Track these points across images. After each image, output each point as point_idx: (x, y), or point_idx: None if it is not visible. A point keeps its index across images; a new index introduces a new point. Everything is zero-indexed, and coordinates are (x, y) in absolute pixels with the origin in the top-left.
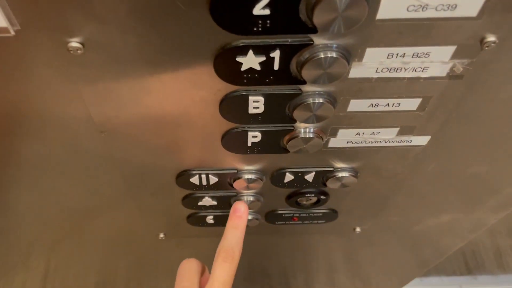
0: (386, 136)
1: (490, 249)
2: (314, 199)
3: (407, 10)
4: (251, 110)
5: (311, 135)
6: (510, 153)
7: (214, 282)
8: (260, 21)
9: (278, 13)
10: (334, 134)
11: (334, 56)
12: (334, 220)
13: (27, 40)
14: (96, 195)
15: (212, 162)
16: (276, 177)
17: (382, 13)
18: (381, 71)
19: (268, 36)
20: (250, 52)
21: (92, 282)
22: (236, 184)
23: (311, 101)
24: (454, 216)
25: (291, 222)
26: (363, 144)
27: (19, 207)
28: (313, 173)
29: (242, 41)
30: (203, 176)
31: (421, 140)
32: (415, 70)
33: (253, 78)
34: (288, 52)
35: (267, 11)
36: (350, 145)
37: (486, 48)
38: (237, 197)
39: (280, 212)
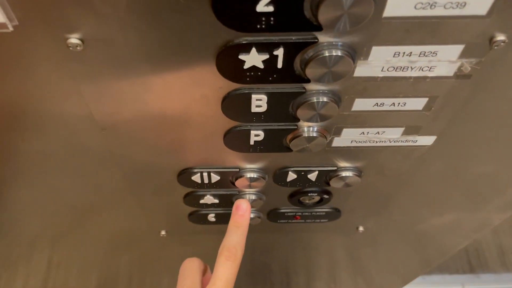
0: (391, 135)
1: (493, 247)
2: (317, 198)
3: (415, 7)
4: (254, 109)
5: (314, 134)
6: None
7: (217, 281)
8: (263, 18)
9: (282, 10)
10: (338, 133)
11: (339, 54)
12: (337, 219)
13: (25, 36)
14: (97, 192)
15: (214, 160)
16: (278, 176)
17: (389, 11)
18: (387, 70)
19: (272, 34)
20: (253, 49)
21: (94, 278)
22: (238, 183)
23: (315, 100)
24: (458, 215)
25: (293, 221)
26: (368, 144)
27: (20, 204)
28: (316, 172)
29: (245, 38)
30: (205, 174)
31: (427, 140)
32: (422, 69)
33: (256, 76)
34: (292, 50)
35: (270, 8)
36: (354, 144)
37: (495, 47)
38: (239, 195)
39: (282, 210)
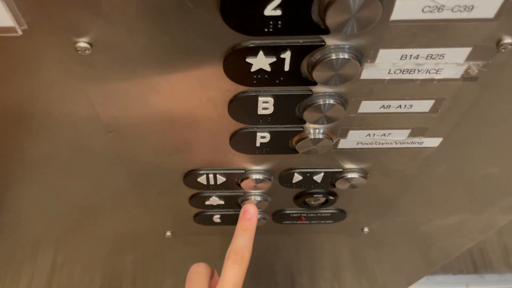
0: (397, 137)
1: (497, 248)
2: (322, 200)
3: (422, 11)
4: (260, 111)
5: (320, 136)
6: None
7: (225, 284)
8: (271, 22)
9: (290, 14)
10: (344, 135)
11: (346, 57)
12: (342, 220)
13: (34, 40)
14: (102, 193)
15: (220, 162)
16: (284, 178)
17: (397, 14)
18: (394, 72)
19: (279, 37)
20: (261, 53)
21: (98, 278)
22: (243, 184)
23: (321, 102)
24: (463, 217)
25: (298, 222)
26: (374, 146)
27: (26, 204)
28: (322, 173)
29: (252, 41)
30: (211, 175)
31: (433, 142)
32: (429, 72)
33: (263, 79)
34: (299, 53)
35: (278, 12)
36: (360, 146)
37: (503, 50)
38: (245, 196)
39: (287, 212)
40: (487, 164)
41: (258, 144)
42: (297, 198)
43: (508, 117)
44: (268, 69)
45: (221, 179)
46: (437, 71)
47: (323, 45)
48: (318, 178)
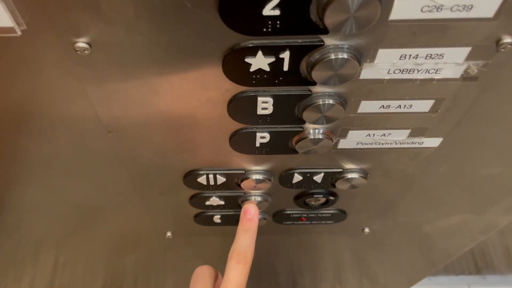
0: (397, 137)
1: (499, 248)
2: (323, 200)
3: (421, 10)
4: (260, 111)
5: (320, 136)
6: None
7: (228, 284)
8: (269, 22)
9: (289, 14)
10: (344, 135)
11: (345, 57)
12: (342, 220)
13: (33, 40)
14: (103, 193)
15: (219, 162)
16: (284, 178)
17: (396, 14)
18: (393, 72)
19: (278, 37)
20: (259, 53)
21: (100, 278)
22: (244, 184)
23: (321, 102)
24: (464, 217)
25: (299, 222)
26: (373, 146)
27: (27, 204)
28: (322, 174)
29: (251, 41)
30: (211, 176)
31: (433, 142)
32: (428, 72)
33: (262, 79)
34: (298, 53)
35: (277, 12)
36: (360, 146)
37: (502, 49)
38: (245, 197)
39: (288, 212)
40: (488, 164)
41: (257, 144)
42: (297, 199)
43: (508, 117)
44: (267, 69)
45: (221, 179)
46: (437, 71)
47: (322, 45)
48: (318, 178)
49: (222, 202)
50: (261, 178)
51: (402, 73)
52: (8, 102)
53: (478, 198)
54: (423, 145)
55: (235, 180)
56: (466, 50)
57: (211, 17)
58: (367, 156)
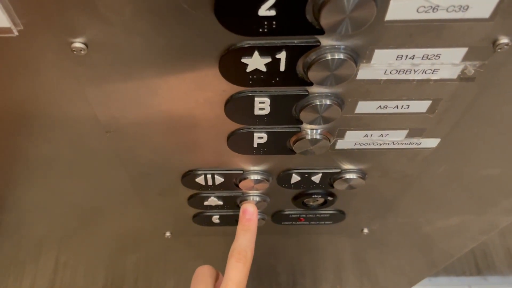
0: (395, 138)
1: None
2: (321, 200)
3: (417, 11)
4: (257, 111)
5: (318, 137)
6: None
7: (228, 283)
8: (265, 22)
9: (284, 14)
10: (341, 135)
11: (342, 57)
12: (341, 221)
13: (30, 41)
14: (103, 193)
15: (217, 163)
16: (282, 178)
17: (391, 14)
18: (390, 73)
19: (274, 37)
20: (256, 53)
21: (101, 278)
22: (242, 185)
23: (318, 103)
24: (464, 218)
25: (297, 223)
26: (371, 146)
27: (27, 204)
28: (320, 174)
29: (248, 42)
30: (209, 176)
31: (431, 142)
32: (425, 72)
33: (259, 79)
34: (295, 54)
35: (272, 12)
36: (358, 147)
37: (499, 50)
38: (243, 197)
39: (286, 212)
40: (487, 165)
41: (255, 145)
42: (296, 199)
43: (506, 118)
44: (264, 69)
45: (219, 180)
46: (433, 71)
47: (318, 45)
48: (316, 178)
49: (221, 202)
50: (259, 178)
51: (399, 73)
52: (8, 103)
53: (478, 198)
54: (421, 146)
55: (233, 180)
56: (462, 51)
57: (207, 18)
58: (365, 157)
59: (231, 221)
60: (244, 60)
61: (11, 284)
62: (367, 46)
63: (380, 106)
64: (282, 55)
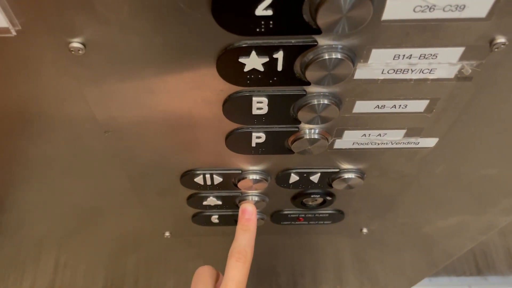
0: (393, 137)
1: (500, 249)
2: (320, 200)
3: (414, 10)
4: (255, 111)
5: (316, 136)
6: None
7: (228, 282)
8: (262, 22)
9: (281, 14)
10: (339, 135)
11: (339, 57)
12: (340, 221)
13: (28, 41)
14: (102, 193)
15: (216, 162)
16: (281, 178)
17: (388, 14)
18: (387, 72)
19: (271, 37)
20: (253, 53)
21: (101, 278)
22: (240, 185)
23: (315, 102)
24: (464, 218)
25: (296, 223)
26: (369, 146)
27: (27, 205)
28: (319, 174)
29: (245, 41)
30: (208, 176)
31: (429, 142)
32: (422, 72)
33: (257, 79)
34: (292, 53)
35: (269, 12)
36: (356, 146)
37: (496, 49)
38: (242, 197)
39: (285, 212)
40: (486, 164)
41: (253, 144)
42: (295, 199)
43: (504, 117)
44: (261, 69)
45: (218, 179)
46: (431, 71)
47: (315, 45)
48: (314, 178)
49: (220, 202)
50: (257, 178)
51: (396, 73)
52: (6, 103)
53: (477, 198)
54: (419, 145)
55: (232, 180)
56: (459, 50)
57: (204, 18)
58: (363, 156)
59: (230, 221)
60: (241, 60)
61: (11, 285)
62: (364, 45)
63: (378, 105)
64: (279, 55)
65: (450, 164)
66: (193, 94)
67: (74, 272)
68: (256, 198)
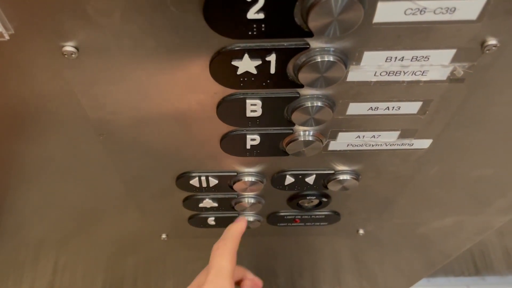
0: (387, 139)
1: (498, 249)
2: (316, 201)
3: (405, 13)
4: (249, 113)
5: (310, 138)
6: None
7: (211, 270)
8: (254, 25)
9: (273, 17)
10: (333, 137)
11: (331, 60)
12: (336, 222)
13: (21, 45)
14: (97, 196)
15: (211, 165)
16: (276, 180)
17: (379, 17)
18: (380, 74)
19: (264, 40)
20: (246, 56)
21: (100, 280)
22: (236, 186)
23: (309, 105)
24: (459, 218)
25: (293, 224)
26: (364, 147)
27: (24, 208)
28: (314, 175)
29: (237, 45)
30: (203, 178)
31: (423, 143)
32: (415, 74)
33: (250, 82)
34: (284, 56)
35: (261, 15)
36: (350, 148)
37: (487, 51)
38: (238, 198)
39: (282, 214)
40: (480, 165)
41: (248, 147)
42: (291, 200)
43: (497, 118)
44: (254, 71)
45: (213, 182)
46: (423, 72)
47: (307, 48)
48: (310, 180)
49: (216, 204)
50: (253, 180)
51: (388, 75)
52: (1, 106)
53: (472, 199)
54: (413, 147)
55: (227, 182)
56: (451, 52)
57: (197, 21)
58: (358, 158)
59: (227, 222)
60: (234, 62)
61: (11, 287)
62: (356, 48)
63: (371, 107)
64: (272, 58)
65: (444, 165)
66: (187, 97)
67: (73, 274)
68: (252, 200)
